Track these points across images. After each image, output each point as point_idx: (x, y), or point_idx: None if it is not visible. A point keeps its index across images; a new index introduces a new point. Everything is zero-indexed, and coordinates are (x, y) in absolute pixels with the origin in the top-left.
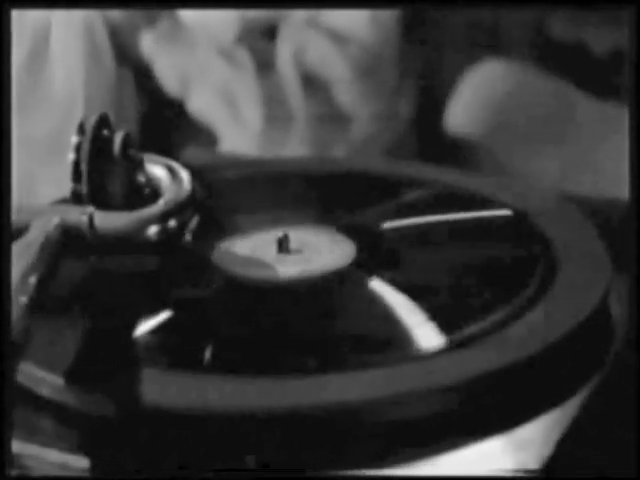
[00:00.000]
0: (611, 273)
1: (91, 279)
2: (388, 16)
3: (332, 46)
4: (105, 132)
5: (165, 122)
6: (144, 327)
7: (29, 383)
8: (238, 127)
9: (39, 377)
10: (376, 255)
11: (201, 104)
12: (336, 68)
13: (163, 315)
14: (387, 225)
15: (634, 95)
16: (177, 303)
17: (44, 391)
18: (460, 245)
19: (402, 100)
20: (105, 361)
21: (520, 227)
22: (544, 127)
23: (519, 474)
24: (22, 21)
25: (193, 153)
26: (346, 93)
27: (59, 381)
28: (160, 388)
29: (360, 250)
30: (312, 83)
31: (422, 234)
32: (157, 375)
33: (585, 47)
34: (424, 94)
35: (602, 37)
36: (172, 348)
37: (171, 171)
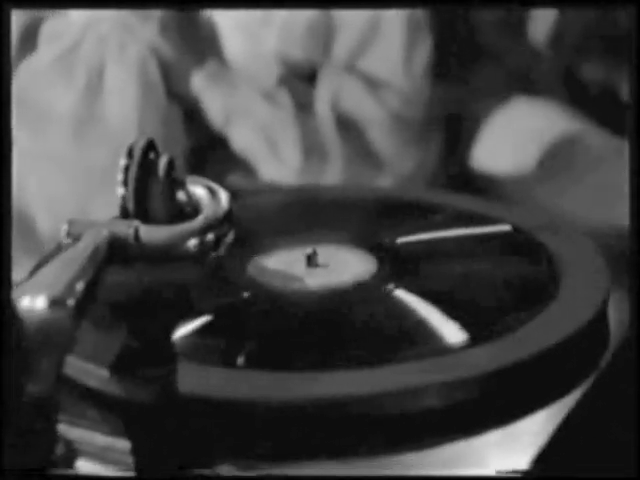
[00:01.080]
0: (609, 284)
1: (136, 285)
2: (420, 62)
3: (367, 90)
4: (151, 155)
5: (210, 155)
6: (185, 328)
7: (76, 374)
8: (277, 163)
9: (86, 369)
10: (396, 267)
11: (243, 140)
12: (370, 111)
13: (202, 319)
14: (402, 240)
15: (635, 95)
16: (215, 309)
17: (90, 382)
18: (469, 257)
19: (432, 140)
20: (145, 356)
21: (523, 241)
22: (566, 164)
23: (518, 474)
24: (75, 57)
25: (234, 180)
26: (379, 134)
27: (104, 373)
28: (197, 380)
29: (381, 264)
30: (347, 124)
31: (434, 248)
32: (194, 369)
33: (613, 90)
34: (453, 133)
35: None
36: (210, 347)
37: (210, 191)
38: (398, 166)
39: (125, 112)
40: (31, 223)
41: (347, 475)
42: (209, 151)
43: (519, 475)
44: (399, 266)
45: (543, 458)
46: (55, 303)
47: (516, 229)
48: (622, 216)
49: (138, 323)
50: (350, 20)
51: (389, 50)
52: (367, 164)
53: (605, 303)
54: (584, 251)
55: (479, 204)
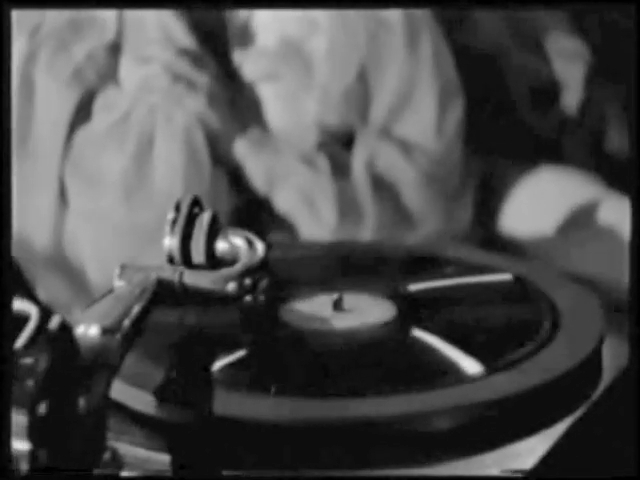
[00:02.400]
0: (604, 327)
1: (180, 323)
2: (452, 126)
3: (401, 153)
4: (196, 210)
5: (253, 216)
6: (223, 361)
7: (123, 398)
8: (315, 223)
9: (132, 393)
10: (413, 312)
11: (284, 202)
12: (404, 173)
13: (239, 353)
14: (414, 288)
15: (635, 94)
16: (250, 345)
17: (135, 404)
18: (475, 302)
19: (462, 202)
20: (185, 384)
21: (525, 289)
22: (586, 229)
23: (519, 474)
24: (126, 126)
25: (276, 237)
26: (412, 194)
27: (148, 397)
28: (234, 404)
29: (400, 309)
30: (382, 185)
31: (445, 295)
32: (229, 395)
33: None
34: (482, 197)
35: None
36: (245, 377)
37: (248, 241)
38: (430, 225)
39: (172, 176)
40: (83, 276)
41: (347, 475)
42: (252, 212)
43: (522, 476)
44: (416, 310)
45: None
46: (106, 332)
47: (517, 278)
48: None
49: (181, 356)
50: (385, 87)
51: (422, 115)
52: (400, 223)
53: (600, 343)
54: (582, 298)
55: (491, 258)
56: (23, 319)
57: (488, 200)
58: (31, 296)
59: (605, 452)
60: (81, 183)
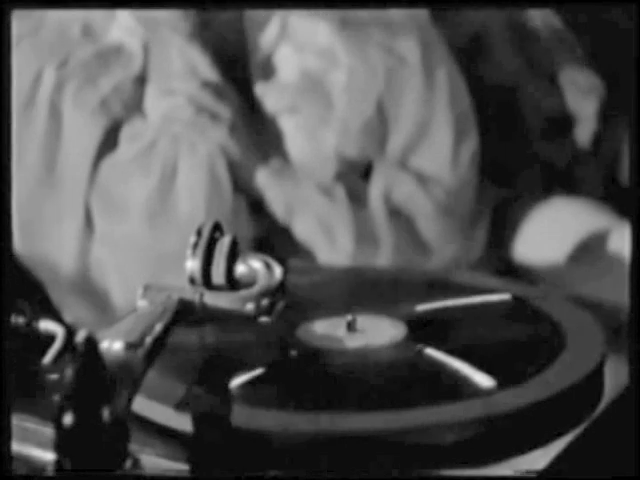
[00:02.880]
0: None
1: (200, 341)
2: (467, 159)
3: (417, 185)
4: (217, 234)
5: (273, 243)
6: (242, 378)
7: (142, 410)
8: (332, 250)
9: (151, 406)
10: (422, 331)
11: (303, 230)
12: (419, 203)
13: (257, 371)
14: (420, 308)
15: (635, 95)
16: (269, 363)
17: (155, 416)
18: (480, 321)
19: (476, 231)
20: (204, 398)
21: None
22: (597, 257)
23: (520, 475)
24: (151, 155)
25: (294, 262)
26: (427, 224)
27: (170, 411)
28: (252, 418)
29: (411, 329)
30: (398, 215)
31: (451, 315)
32: (246, 409)
33: None
34: (496, 225)
35: None
36: (262, 393)
37: (266, 264)
38: (444, 253)
39: (195, 204)
40: (107, 299)
41: (347, 476)
42: (272, 239)
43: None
44: (425, 330)
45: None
46: (129, 347)
47: (517, 298)
48: None
49: (202, 372)
50: (402, 120)
51: (437, 148)
52: (416, 252)
53: (602, 362)
54: (584, 319)
55: (499, 282)
56: (49, 338)
57: (502, 228)
58: (57, 317)
59: (605, 466)
60: (107, 210)
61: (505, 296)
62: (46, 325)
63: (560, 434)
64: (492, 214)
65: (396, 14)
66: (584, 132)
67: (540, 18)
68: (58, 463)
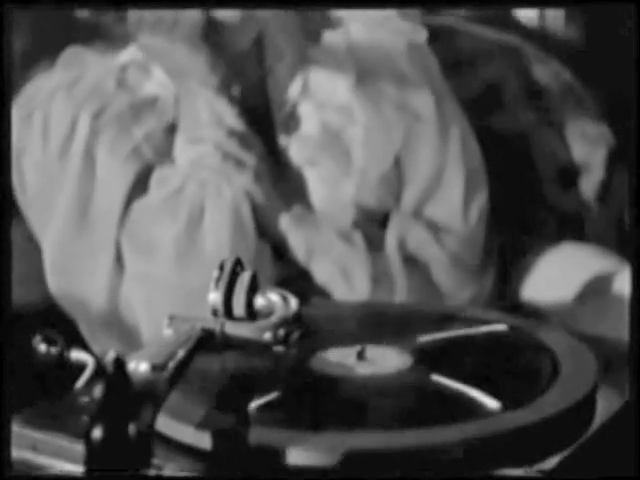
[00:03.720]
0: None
1: (221, 367)
2: (477, 211)
3: (430, 233)
4: (238, 269)
5: (293, 285)
6: (259, 400)
7: (165, 428)
8: (350, 293)
9: (174, 425)
10: (428, 359)
11: (322, 273)
12: (432, 251)
13: (273, 395)
14: (422, 339)
15: (635, 95)
16: (284, 388)
17: (177, 434)
18: (480, 350)
19: (485, 274)
20: (223, 418)
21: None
22: (602, 298)
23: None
24: (179, 199)
25: (315, 300)
26: (440, 270)
27: (190, 428)
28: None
29: (416, 358)
30: (412, 261)
31: (453, 345)
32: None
33: None
34: (505, 267)
35: None
36: (278, 414)
37: (283, 297)
38: (456, 297)
39: (220, 245)
40: (136, 334)
41: (347, 476)
42: (293, 281)
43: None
44: (430, 359)
45: None
46: (155, 368)
47: (513, 328)
48: None
49: (222, 395)
50: (417, 174)
51: (449, 200)
52: (428, 295)
53: (594, 389)
54: (579, 350)
55: (501, 316)
56: (80, 367)
57: (511, 270)
58: (86, 347)
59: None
60: (136, 249)
61: (501, 327)
62: (77, 355)
63: (557, 451)
64: (503, 258)
65: (408, 68)
66: (593, 180)
67: (550, 72)
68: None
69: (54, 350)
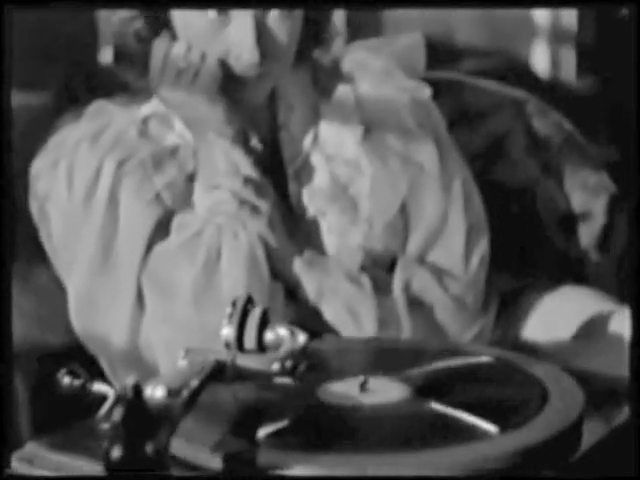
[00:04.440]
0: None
1: (235, 396)
2: (478, 257)
3: (434, 279)
4: (249, 306)
5: (304, 324)
6: (268, 429)
7: (180, 452)
8: (357, 333)
9: (189, 448)
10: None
11: (331, 313)
12: (436, 294)
13: (282, 423)
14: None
15: (635, 95)
16: (293, 416)
17: (191, 456)
18: (471, 380)
19: (487, 315)
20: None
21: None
22: (597, 337)
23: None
24: (197, 242)
25: (329, 337)
26: (443, 312)
27: (204, 452)
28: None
29: (415, 389)
30: (417, 304)
31: (447, 376)
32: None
33: None
34: (506, 309)
35: None
36: (286, 440)
37: (292, 332)
38: (459, 337)
39: (236, 287)
40: (155, 370)
41: (346, 475)
42: (305, 321)
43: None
44: (428, 389)
45: None
46: (170, 394)
47: (500, 360)
48: None
49: (234, 422)
50: (422, 222)
51: (452, 247)
52: (432, 336)
53: (581, 415)
54: (567, 382)
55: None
56: (101, 398)
57: (513, 311)
58: (107, 381)
59: None
60: (157, 291)
61: (487, 359)
62: (99, 387)
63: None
64: (505, 299)
65: (412, 122)
66: (594, 227)
67: (552, 123)
68: None
69: (77, 382)
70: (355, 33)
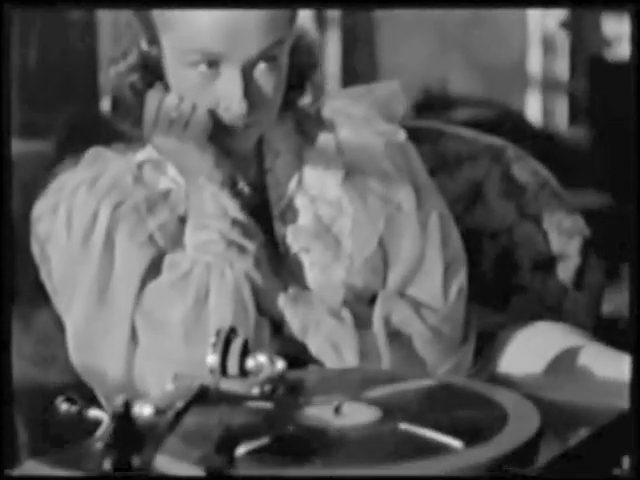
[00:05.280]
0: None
1: (216, 419)
2: (456, 291)
3: (413, 311)
4: (232, 336)
5: (290, 357)
6: (248, 446)
7: (165, 467)
8: (340, 364)
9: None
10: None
11: (315, 346)
12: (415, 327)
13: (262, 441)
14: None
15: (635, 95)
16: (271, 436)
17: (176, 471)
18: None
19: (465, 349)
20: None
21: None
22: (567, 371)
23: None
24: (187, 281)
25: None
26: (422, 344)
27: (187, 467)
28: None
29: (383, 411)
30: (397, 337)
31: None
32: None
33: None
34: (483, 349)
35: None
36: (265, 457)
37: (270, 359)
38: (437, 368)
39: (223, 322)
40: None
41: (346, 475)
42: (289, 354)
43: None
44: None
45: None
46: (158, 412)
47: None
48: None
49: (214, 441)
50: (400, 258)
51: (430, 282)
52: (412, 367)
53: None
54: (524, 404)
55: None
56: (97, 422)
57: (490, 347)
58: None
59: None
60: (149, 327)
61: (428, 381)
62: (94, 413)
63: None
64: (484, 335)
65: (389, 165)
66: (569, 267)
67: (529, 170)
68: None
69: (74, 409)
70: (351, 80)
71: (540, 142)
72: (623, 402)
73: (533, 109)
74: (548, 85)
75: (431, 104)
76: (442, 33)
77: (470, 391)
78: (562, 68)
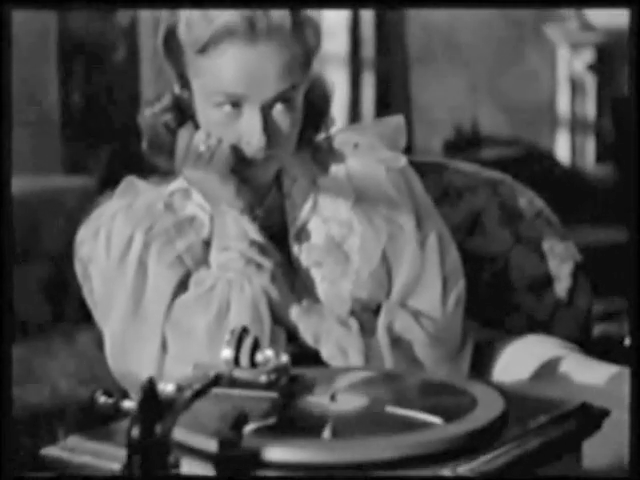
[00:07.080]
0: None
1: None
2: (453, 302)
3: (414, 320)
4: (244, 334)
5: (302, 364)
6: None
7: (185, 439)
8: (347, 365)
9: (192, 436)
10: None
11: (326, 352)
12: (415, 334)
13: (270, 420)
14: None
15: (635, 96)
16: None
17: (194, 443)
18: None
19: (462, 356)
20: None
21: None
22: (552, 376)
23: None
24: (211, 295)
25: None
26: (422, 350)
27: (204, 438)
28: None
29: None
30: (399, 343)
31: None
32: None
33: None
34: (478, 353)
35: None
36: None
37: (277, 353)
38: (435, 373)
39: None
40: None
41: (347, 475)
42: (303, 361)
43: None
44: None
45: None
46: (178, 390)
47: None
48: None
49: (227, 421)
50: (401, 272)
51: (429, 292)
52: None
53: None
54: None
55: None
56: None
57: (486, 357)
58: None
59: None
60: (178, 337)
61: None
62: (128, 404)
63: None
64: (480, 348)
65: (391, 190)
66: (561, 288)
67: (526, 200)
68: (128, 461)
69: (111, 401)
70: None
71: (568, 179)
72: (597, 402)
73: (562, 148)
74: (576, 125)
75: (462, 143)
76: (473, 74)
77: (447, 383)
78: (589, 108)
